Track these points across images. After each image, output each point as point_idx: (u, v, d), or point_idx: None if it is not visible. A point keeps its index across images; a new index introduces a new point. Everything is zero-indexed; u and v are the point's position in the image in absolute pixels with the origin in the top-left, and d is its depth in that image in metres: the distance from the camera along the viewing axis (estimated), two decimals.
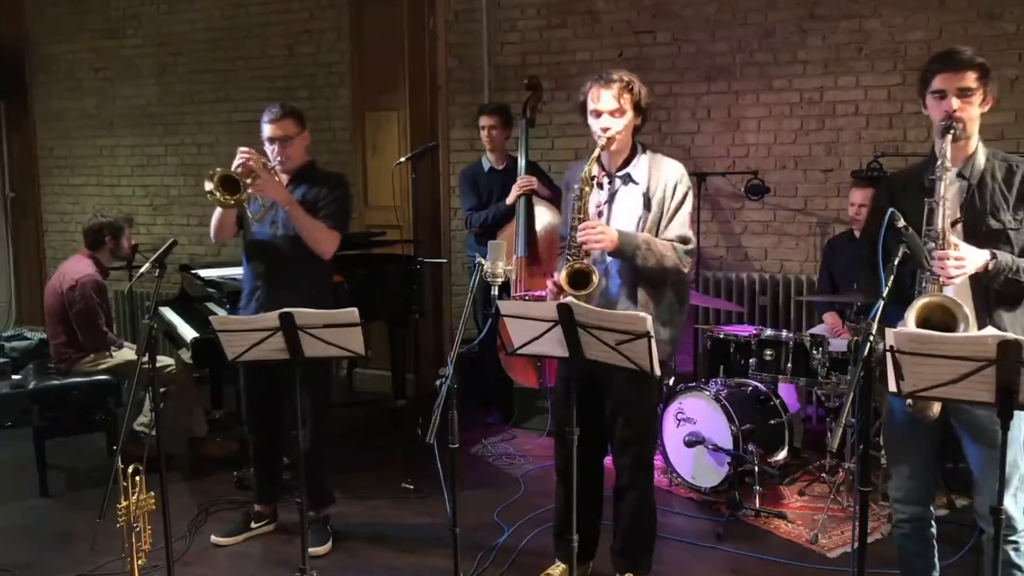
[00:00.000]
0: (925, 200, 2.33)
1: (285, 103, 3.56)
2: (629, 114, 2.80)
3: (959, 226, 2.38)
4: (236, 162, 3.26)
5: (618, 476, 3.01)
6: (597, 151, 2.78)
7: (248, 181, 3.25)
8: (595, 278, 2.72)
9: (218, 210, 3.39)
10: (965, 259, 2.25)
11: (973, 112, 2.37)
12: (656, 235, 2.82)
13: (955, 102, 2.34)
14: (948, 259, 2.25)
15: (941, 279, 2.26)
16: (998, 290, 2.33)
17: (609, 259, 2.83)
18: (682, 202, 2.85)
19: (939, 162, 2.32)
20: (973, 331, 2.17)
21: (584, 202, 2.78)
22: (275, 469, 3.75)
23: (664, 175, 2.85)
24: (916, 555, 2.60)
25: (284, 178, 3.52)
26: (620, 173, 2.89)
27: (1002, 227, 2.35)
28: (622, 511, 3.03)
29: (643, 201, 2.84)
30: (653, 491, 3.06)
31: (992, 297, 2.36)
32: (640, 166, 2.88)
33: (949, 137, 2.32)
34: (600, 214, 2.86)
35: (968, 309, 2.22)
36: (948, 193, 2.36)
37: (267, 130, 3.45)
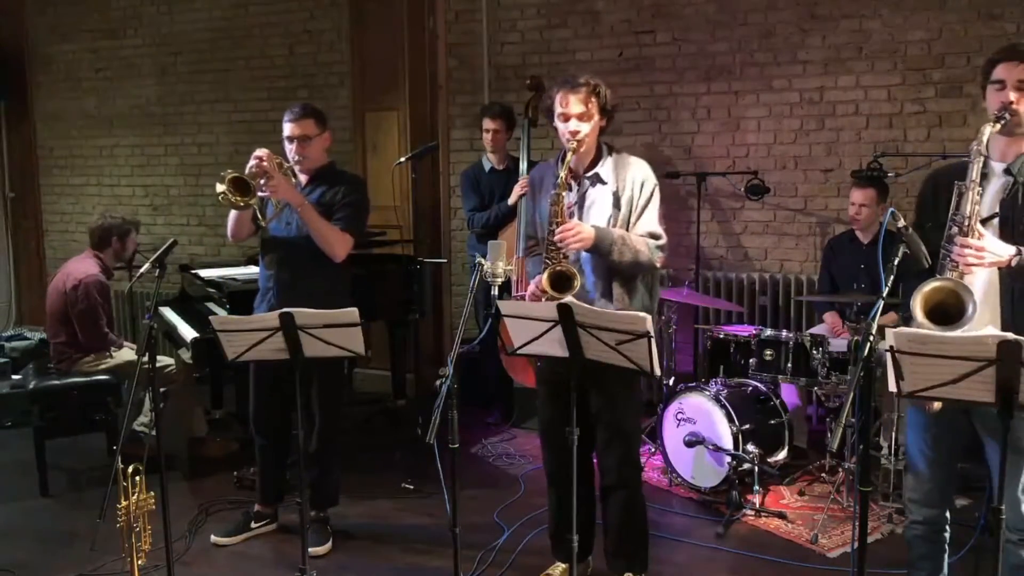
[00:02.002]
0: (955, 183, 2.27)
1: (308, 103, 3.56)
2: (595, 117, 2.84)
3: (995, 222, 2.32)
4: (249, 164, 3.25)
5: (604, 476, 3.01)
6: (569, 155, 2.79)
7: (261, 182, 3.24)
8: (577, 282, 2.71)
9: (233, 211, 3.38)
10: (986, 249, 2.19)
11: None
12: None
13: (1012, 94, 2.28)
14: (968, 247, 2.19)
15: (960, 267, 2.21)
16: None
17: (583, 255, 2.84)
18: (650, 198, 2.87)
19: (974, 145, 2.26)
20: (987, 326, 2.14)
21: (560, 206, 2.79)
22: (280, 469, 3.74)
23: (631, 174, 2.88)
24: (925, 558, 2.59)
25: (303, 178, 3.52)
26: (588, 174, 2.91)
27: None
28: (612, 511, 3.03)
29: (612, 200, 2.86)
30: (641, 488, 3.06)
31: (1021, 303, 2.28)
32: (607, 166, 2.90)
33: (998, 126, 2.26)
34: (571, 215, 2.87)
35: (990, 309, 2.17)
36: (990, 188, 2.32)
37: (287, 129, 3.45)
